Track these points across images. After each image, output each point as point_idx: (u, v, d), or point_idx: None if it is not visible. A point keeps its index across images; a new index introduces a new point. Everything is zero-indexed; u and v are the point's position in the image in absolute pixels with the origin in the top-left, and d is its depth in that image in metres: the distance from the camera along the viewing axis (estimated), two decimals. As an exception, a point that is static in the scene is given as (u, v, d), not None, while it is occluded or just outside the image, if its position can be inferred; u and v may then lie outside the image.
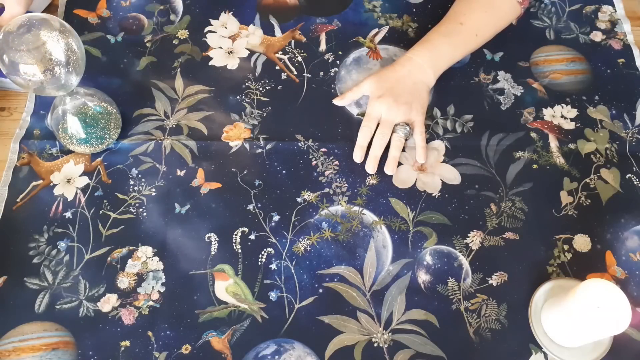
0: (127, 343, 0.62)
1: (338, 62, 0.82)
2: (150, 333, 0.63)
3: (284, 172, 0.73)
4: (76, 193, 0.71)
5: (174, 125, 0.76)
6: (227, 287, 0.65)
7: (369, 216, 0.70)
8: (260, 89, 0.79)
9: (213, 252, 0.68)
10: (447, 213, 0.70)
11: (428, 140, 0.75)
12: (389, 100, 0.73)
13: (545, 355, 0.62)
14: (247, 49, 0.83)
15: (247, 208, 0.70)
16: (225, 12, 0.86)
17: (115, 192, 0.71)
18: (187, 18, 0.86)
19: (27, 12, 0.74)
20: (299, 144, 0.75)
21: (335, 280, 0.66)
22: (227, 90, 0.79)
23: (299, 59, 0.82)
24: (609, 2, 0.89)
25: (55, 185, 0.71)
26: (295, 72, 0.81)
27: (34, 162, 0.73)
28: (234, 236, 0.68)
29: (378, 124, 0.74)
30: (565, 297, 0.58)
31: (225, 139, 0.75)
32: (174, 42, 0.83)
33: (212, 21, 0.85)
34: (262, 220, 0.70)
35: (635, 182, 0.73)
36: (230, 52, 0.82)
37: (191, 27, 0.85)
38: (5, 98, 0.79)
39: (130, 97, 0.78)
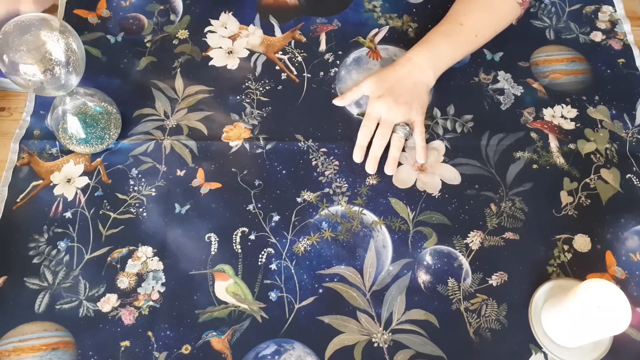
0: (127, 343, 0.62)
1: (338, 62, 0.82)
2: (150, 333, 0.63)
3: (284, 172, 0.73)
4: (76, 193, 0.71)
5: (174, 125, 0.76)
6: (227, 287, 0.65)
7: (369, 216, 0.70)
8: (260, 89, 0.79)
9: (213, 252, 0.68)
10: (447, 213, 0.70)
11: (428, 140, 0.75)
12: (388, 100, 0.73)
13: (545, 355, 0.62)
14: (247, 49, 0.83)
15: (247, 208, 0.70)
16: (225, 12, 0.86)
17: (115, 192, 0.71)
18: (187, 18, 0.86)
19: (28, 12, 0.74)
20: (299, 144, 0.75)
21: (335, 280, 0.66)
22: (227, 90, 0.79)
23: (299, 59, 0.82)
24: (609, 2, 0.89)
25: (55, 185, 0.71)
26: (295, 72, 0.81)
27: (34, 162, 0.73)
28: (234, 236, 0.69)
29: (378, 124, 0.74)
30: (565, 297, 0.58)
31: (225, 139, 0.75)
32: (174, 42, 0.83)
33: (212, 21, 0.85)
34: (262, 220, 0.70)
35: (635, 182, 0.73)
36: (230, 52, 0.83)
37: (191, 27, 0.85)
38: (5, 98, 0.79)
39: (130, 97, 0.78)
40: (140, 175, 0.72)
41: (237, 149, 0.75)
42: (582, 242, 0.69)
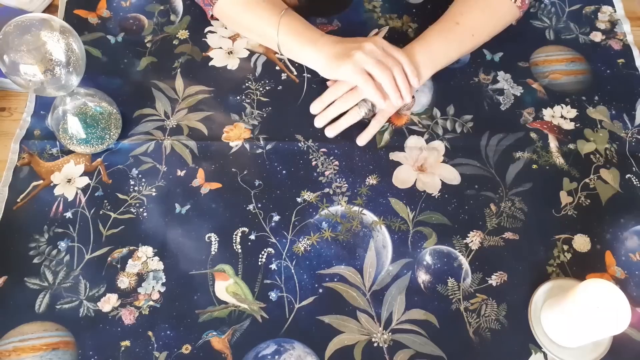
0: (127, 343, 0.62)
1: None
2: (150, 333, 0.63)
3: (284, 172, 0.73)
4: (76, 193, 0.71)
5: (174, 126, 0.76)
6: (227, 287, 0.66)
7: (369, 216, 0.70)
8: (261, 89, 0.79)
9: (213, 252, 0.68)
10: (447, 213, 0.70)
11: (428, 141, 0.76)
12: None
13: (545, 355, 0.62)
14: (247, 49, 0.83)
15: (247, 208, 0.70)
16: (225, 13, 0.86)
17: (116, 192, 0.71)
18: (187, 18, 0.86)
19: (27, 12, 0.74)
20: (299, 144, 0.75)
21: (335, 280, 0.66)
22: (227, 91, 0.79)
23: (299, 59, 0.82)
24: (608, 2, 0.89)
25: (55, 185, 0.71)
26: (295, 73, 0.81)
27: (34, 162, 0.73)
28: (234, 236, 0.69)
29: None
30: (565, 297, 0.58)
31: (226, 139, 0.75)
32: (174, 42, 0.83)
33: (212, 21, 0.85)
34: (262, 220, 0.70)
35: (634, 182, 0.73)
36: (230, 53, 0.83)
37: (191, 28, 0.85)
38: (6, 98, 0.79)
39: (130, 97, 0.78)
40: (140, 176, 0.72)
41: (237, 149, 0.75)
42: (581, 242, 0.69)
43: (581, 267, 0.67)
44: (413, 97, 0.79)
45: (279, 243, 0.68)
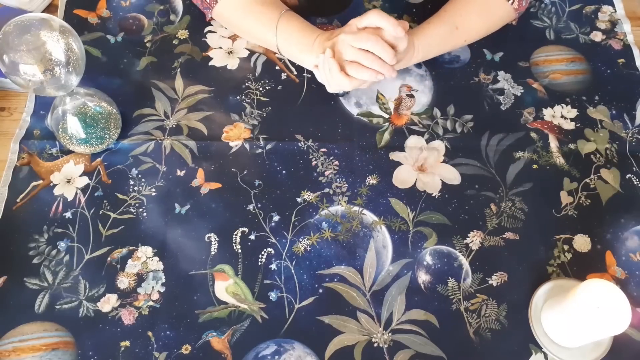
0: (127, 343, 0.62)
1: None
2: (150, 333, 0.63)
3: (284, 172, 0.73)
4: (76, 193, 0.71)
5: (174, 125, 0.76)
6: (227, 287, 0.65)
7: (369, 216, 0.70)
8: (260, 89, 0.79)
9: (213, 252, 0.68)
10: (447, 213, 0.70)
11: (428, 141, 0.76)
12: None
13: (545, 355, 0.62)
14: (247, 49, 0.83)
15: (247, 208, 0.70)
16: (225, 12, 0.86)
17: (115, 192, 0.71)
18: (187, 18, 0.86)
19: (27, 12, 0.74)
20: (299, 144, 0.75)
21: (335, 280, 0.66)
22: (227, 91, 0.79)
23: (299, 59, 0.82)
24: (609, 2, 0.89)
25: (55, 185, 0.71)
26: (295, 72, 0.81)
27: (34, 162, 0.73)
28: (234, 236, 0.69)
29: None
30: (565, 297, 0.58)
31: (225, 139, 0.75)
32: (174, 42, 0.83)
33: (212, 21, 0.85)
34: (262, 220, 0.70)
35: (635, 182, 0.73)
36: (230, 52, 0.83)
37: (191, 27, 0.85)
38: (5, 98, 0.79)
39: (130, 97, 0.78)
40: (140, 175, 0.72)
41: (237, 149, 0.75)
42: (582, 242, 0.69)
43: (581, 267, 0.67)
44: (413, 96, 0.79)
45: (279, 243, 0.68)
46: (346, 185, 0.72)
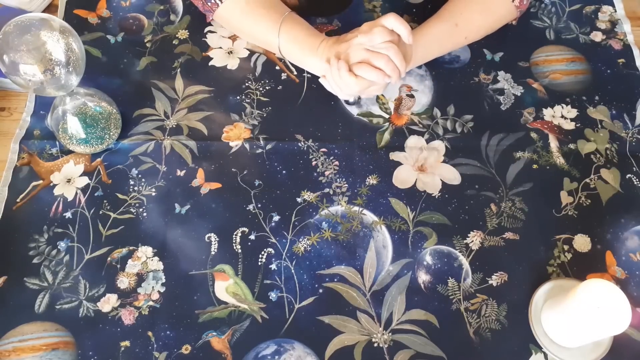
0: (127, 343, 0.62)
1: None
2: (150, 333, 0.63)
3: (284, 172, 0.73)
4: (76, 193, 0.71)
5: (174, 126, 0.76)
6: (227, 287, 0.65)
7: (369, 216, 0.70)
8: (260, 89, 0.79)
9: (213, 252, 0.68)
10: (447, 213, 0.70)
11: (428, 141, 0.76)
12: None
13: (545, 355, 0.62)
14: (247, 49, 0.83)
15: (247, 208, 0.70)
16: (225, 12, 0.86)
17: (115, 192, 0.71)
18: (187, 18, 0.86)
19: (27, 12, 0.74)
20: (299, 144, 0.75)
21: (335, 280, 0.66)
22: (227, 91, 0.79)
23: (299, 59, 0.82)
24: (609, 2, 0.89)
25: (55, 185, 0.71)
26: (295, 73, 0.81)
27: (34, 162, 0.73)
28: (234, 236, 0.69)
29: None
30: (565, 297, 0.58)
31: (225, 139, 0.75)
32: (174, 42, 0.83)
33: (212, 21, 0.85)
34: (262, 220, 0.70)
35: (635, 182, 0.73)
36: (230, 52, 0.83)
37: (191, 27, 0.85)
38: (5, 98, 0.79)
39: (130, 97, 0.78)
40: (140, 175, 0.72)
41: (237, 149, 0.75)
42: (582, 242, 0.69)
43: (581, 267, 0.67)
44: (413, 96, 0.79)
45: (279, 243, 0.68)
46: (346, 185, 0.72)
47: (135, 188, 0.71)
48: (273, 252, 0.68)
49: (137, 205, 0.70)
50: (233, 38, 0.84)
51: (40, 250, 0.67)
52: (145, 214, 0.70)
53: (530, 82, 0.81)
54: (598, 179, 0.73)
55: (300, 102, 0.78)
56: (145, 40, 0.83)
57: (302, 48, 0.75)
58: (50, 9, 0.86)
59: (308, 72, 0.80)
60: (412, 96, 0.79)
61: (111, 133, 0.73)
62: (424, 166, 0.74)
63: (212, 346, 0.62)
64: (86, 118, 0.71)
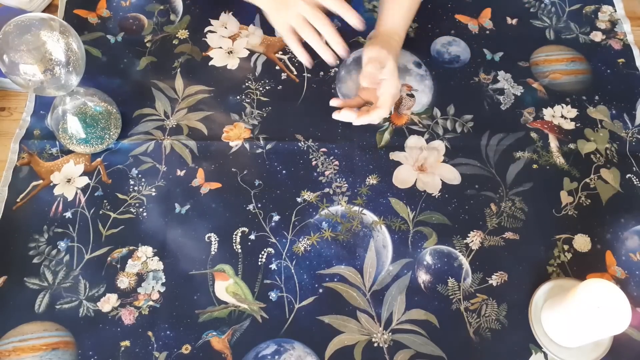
0: (127, 343, 0.62)
1: (338, 62, 0.81)
2: (150, 333, 0.63)
3: (284, 172, 0.73)
4: (76, 193, 0.71)
5: (174, 125, 0.76)
6: (227, 287, 0.65)
7: (369, 216, 0.70)
8: (260, 89, 0.79)
9: (213, 252, 0.68)
10: (447, 213, 0.70)
11: (428, 140, 0.76)
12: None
13: (545, 355, 0.62)
14: (247, 49, 0.83)
15: (247, 208, 0.70)
16: (225, 12, 0.86)
17: (115, 192, 0.71)
18: (187, 18, 0.86)
19: (27, 12, 0.74)
20: (299, 144, 0.75)
21: (335, 280, 0.66)
22: (227, 90, 0.79)
23: (299, 59, 0.82)
24: (609, 2, 0.89)
25: (55, 185, 0.71)
26: (295, 72, 0.81)
27: (34, 162, 0.73)
28: (234, 236, 0.69)
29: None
30: (565, 297, 0.58)
31: (225, 139, 0.75)
32: (174, 42, 0.83)
33: (212, 21, 0.85)
34: (262, 220, 0.70)
35: (635, 182, 0.73)
36: (230, 52, 0.83)
37: (191, 27, 0.85)
38: (5, 98, 0.79)
39: (130, 97, 0.78)
40: (140, 175, 0.72)
41: (237, 149, 0.75)
42: (582, 242, 0.69)
43: (581, 267, 0.67)
44: (413, 96, 0.79)
45: (279, 243, 0.68)
46: (346, 185, 0.72)
47: (135, 188, 0.71)
48: (273, 252, 0.68)
49: (137, 205, 0.70)
50: (233, 38, 0.84)
51: (40, 250, 0.67)
52: (145, 214, 0.70)
53: (530, 82, 0.81)
54: (598, 178, 0.73)
55: (300, 102, 0.78)
56: (145, 40, 0.83)
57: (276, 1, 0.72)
58: (50, 9, 0.86)
59: (308, 72, 0.80)
60: (412, 96, 0.79)
61: (111, 133, 0.73)
62: (424, 166, 0.74)
63: (212, 346, 0.62)
64: (86, 118, 0.71)
